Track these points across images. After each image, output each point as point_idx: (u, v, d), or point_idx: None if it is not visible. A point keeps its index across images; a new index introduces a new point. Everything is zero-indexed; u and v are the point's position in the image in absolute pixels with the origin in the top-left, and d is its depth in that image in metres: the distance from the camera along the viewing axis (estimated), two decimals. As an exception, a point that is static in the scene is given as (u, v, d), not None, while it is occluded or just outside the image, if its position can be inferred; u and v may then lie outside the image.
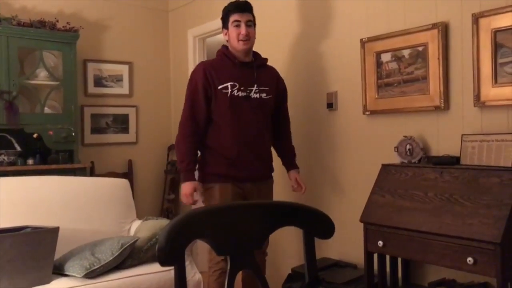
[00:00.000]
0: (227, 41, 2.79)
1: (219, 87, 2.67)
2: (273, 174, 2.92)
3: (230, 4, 2.76)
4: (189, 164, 2.68)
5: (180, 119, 2.76)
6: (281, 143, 2.97)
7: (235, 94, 2.68)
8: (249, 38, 2.71)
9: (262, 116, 2.78)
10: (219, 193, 2.68)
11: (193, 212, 1.12)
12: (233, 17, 2.71)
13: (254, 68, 2.77)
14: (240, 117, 2.69)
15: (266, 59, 2.88)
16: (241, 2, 2.75)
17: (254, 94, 2.73)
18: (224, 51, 2.78)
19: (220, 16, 2.80)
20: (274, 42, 3.43)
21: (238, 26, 2.69)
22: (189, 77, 2.82)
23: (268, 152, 2.88)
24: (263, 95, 2.77)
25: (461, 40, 2.39)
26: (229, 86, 2.68)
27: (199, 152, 2.79)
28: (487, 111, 2.29)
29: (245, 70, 2.74)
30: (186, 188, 2.68)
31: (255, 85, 2.74)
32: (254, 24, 2.77)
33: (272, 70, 2.93)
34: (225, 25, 2.78)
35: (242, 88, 2.70)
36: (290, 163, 2.97)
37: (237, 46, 2.71)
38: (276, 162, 2.96)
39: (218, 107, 2.69)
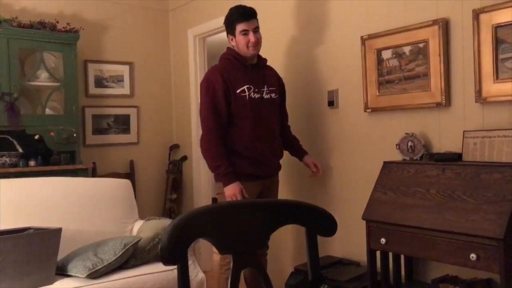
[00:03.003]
0: (233, 46, 2.81)
1: (237, 91, 2.71)
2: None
3: (235, 12, 2.75)
4: (227, 167, 2.66)
5: (203, 125, 2.72)
6: (285, 135, 3.03)
7: (252, 96, 2.74)
8: (259, 43, 2.76)
9: (274, 114, 2.87)
10: None
11: (195, 211, 1.12)
12: (240, 27, 2.73)
13: (261, 69, 2.85)
14: (259, 117, 2.75)
15: (266, 59, 2.93)
16: (246, 10, 2.75)
17: (266, 95, 2.81)
18: (234, 54, 2.79)
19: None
20: (274, 41, 3.43)
21: (246, 34, 2.72)
22: (197, 80, 2.83)
23: (281, 146, 2.95)
24: (273, 95, 2.85)
25: (462, 36, 2.38)
26: (246, 89, 2.72)
27: None
28: (489, 107, 2.29)
29: (256, 72, 2.81)
30: (231, 190, 2.65)
31: (265, 86, 2.81)
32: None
33: (272, 70, 3.00)
34: (231, 32, 2.79)
35: (256, 90, 2.76)
36: (299, 151, 3.03)
37: (247, 52, 2.75)
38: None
39: (238, 110, 2.72)
